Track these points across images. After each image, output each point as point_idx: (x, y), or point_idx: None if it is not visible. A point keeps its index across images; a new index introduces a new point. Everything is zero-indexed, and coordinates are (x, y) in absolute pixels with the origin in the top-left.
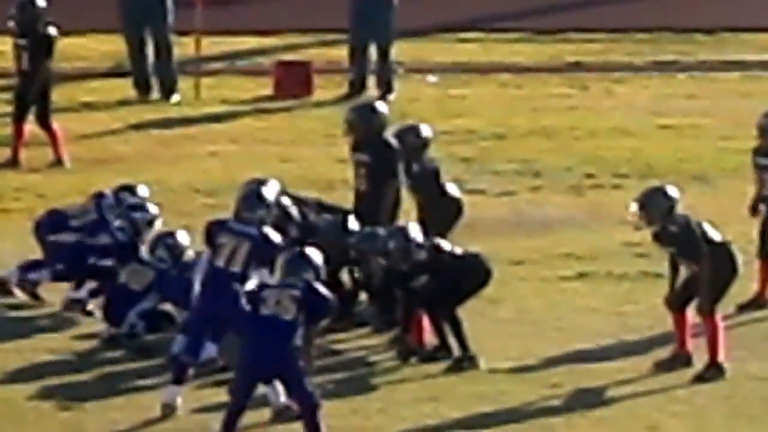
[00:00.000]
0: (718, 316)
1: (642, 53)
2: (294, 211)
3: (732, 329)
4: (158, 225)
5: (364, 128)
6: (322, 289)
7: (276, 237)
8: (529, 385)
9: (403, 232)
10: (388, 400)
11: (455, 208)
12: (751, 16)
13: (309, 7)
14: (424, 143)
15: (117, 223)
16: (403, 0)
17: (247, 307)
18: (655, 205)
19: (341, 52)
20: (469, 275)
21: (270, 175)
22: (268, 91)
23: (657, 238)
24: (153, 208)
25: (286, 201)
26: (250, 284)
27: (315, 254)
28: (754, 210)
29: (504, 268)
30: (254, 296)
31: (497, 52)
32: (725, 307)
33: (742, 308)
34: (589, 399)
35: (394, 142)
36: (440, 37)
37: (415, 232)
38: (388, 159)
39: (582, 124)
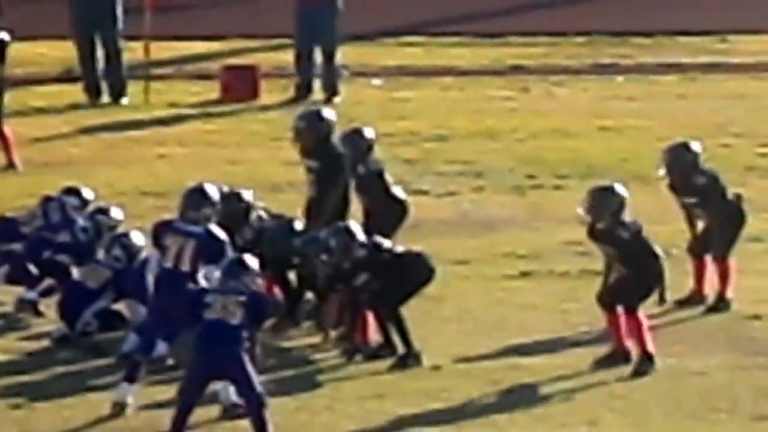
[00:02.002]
0: (641, 313)
1: (581, 56)
2: (253, 212)
3: (670, 325)
4: (120, 229)
5: (312, 135)
6: (264, 293)
7: (221, 233)
8: (472, 381)
9: (345, 230)
10: (334, 397)
11: (400, 209)
12: (687, 21)
13: (255, 13)
14: (369, 145)
15: (81, 222)
16: (347, 5)
17: (195, 312)
18: (606, 204)
19: (287, 57)
20: (411, 273)
21: (217, 177)
22: (215, 94)
23: (594, 235)
24: (118, 213)
25: (247, 197)
26: (197, 288)
27: (252, 259)
28: (695, 239)
29: (447, 268)
30: (200, 301)
31: (440, 55)
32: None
33: (681, 304)
34: (530, 395)
35: (340, 148)
36: (384, 42)
37: (357, 231)
38: (335, 165)
39: (523, 125)
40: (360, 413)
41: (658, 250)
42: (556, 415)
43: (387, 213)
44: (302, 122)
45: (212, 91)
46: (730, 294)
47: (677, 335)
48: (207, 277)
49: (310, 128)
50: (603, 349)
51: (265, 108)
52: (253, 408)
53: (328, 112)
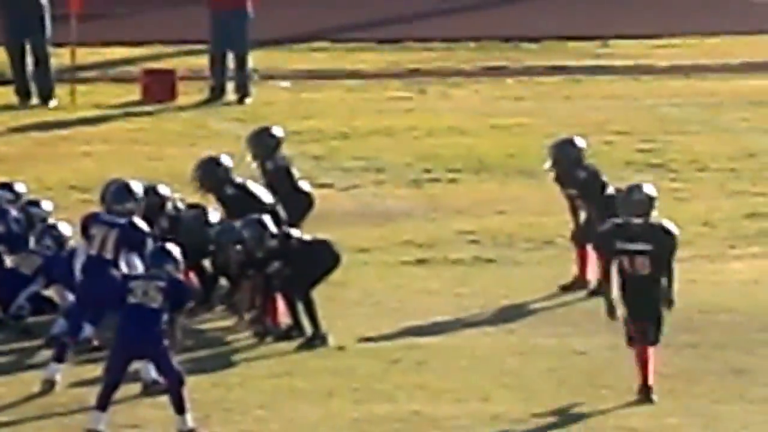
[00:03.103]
0: None
1: (474, 60)
2: (168, 204)
3: (556, 308)
4: (51, 220)
5: (212, 181)
6: (183, 280)
7: (143, 224)
8: (375, 360)
9: (258, 222)
10: (247, 375)
11: (306, 201)
12: (571, 26)
13: (173, 20)
14: (277, 143)
15: (14, 214)
16: (258, 12)
17: (119, 297)
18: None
19: (202, 61)
20: (319, 260)
21: (138, 172)
22: (136, 96)
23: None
24: (48, 205)
25: (164, 191)
26: (121, 274)
27: (174, 248)
28: (577, 228)
29: (350, 255)
30: (124, 287)
31: (344, 59)
32: (549, 288)
33: (565, 289)
34: (427, 373)
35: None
36: (292, 47)
37: (269, 222)
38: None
39: (420, 124)
40: (270, 389)
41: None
42: (452, 391)
43: (294, 205)
44: (199, 171)
45: (133, 93)
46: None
47: (563, 317)
48: (128, 263)
49: (208, 174)
50: (493, 330)
51: (182, 108)
52: (173, 385)
53: (225, 159)
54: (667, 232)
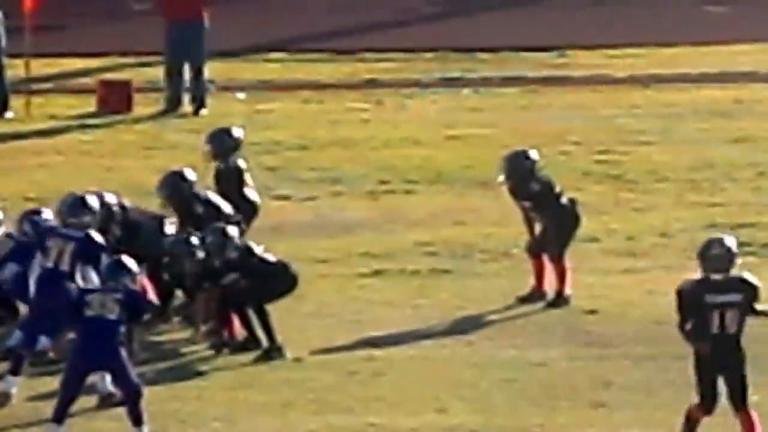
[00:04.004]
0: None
1: (431, 71)
2: (117, 212)
3: (513, 320)
4: (2, 229)
5: (179, 197)
6: (140, 292)
7: (99, 238)
8: (331, 372)
9: (221, 230)
10: (203, 386)
11: (250, 209)
12: (528, 37)
13: (128, 31)
14: (235, 144)
15: None
16: (213, 23)
17: (76, 309)
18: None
19: (158, 72)
20: (276, 281)
21: (93, 183)
22: (92, 108)
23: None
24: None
25: (111, 200)
26: (78, 287)
27: (131, 261)
28: (533, 237)
29: (307, 267)
30: (81, 299)
31: (300, 70)
32: (506, 299)
33: (523, 300)
34: (384, 384)
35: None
36: (248, 58)
37: (233, 233)
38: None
39: (377, 135)
40: (227, 402)
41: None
42: (409, 402)
43: (239, 211)
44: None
45: (89, 104)
46: (567, 291)
47: (520, 329)
48: (84, 277)
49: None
50: (450, 342)
51: (138, 120)
52: (130, 397)
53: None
54: (750, 285)
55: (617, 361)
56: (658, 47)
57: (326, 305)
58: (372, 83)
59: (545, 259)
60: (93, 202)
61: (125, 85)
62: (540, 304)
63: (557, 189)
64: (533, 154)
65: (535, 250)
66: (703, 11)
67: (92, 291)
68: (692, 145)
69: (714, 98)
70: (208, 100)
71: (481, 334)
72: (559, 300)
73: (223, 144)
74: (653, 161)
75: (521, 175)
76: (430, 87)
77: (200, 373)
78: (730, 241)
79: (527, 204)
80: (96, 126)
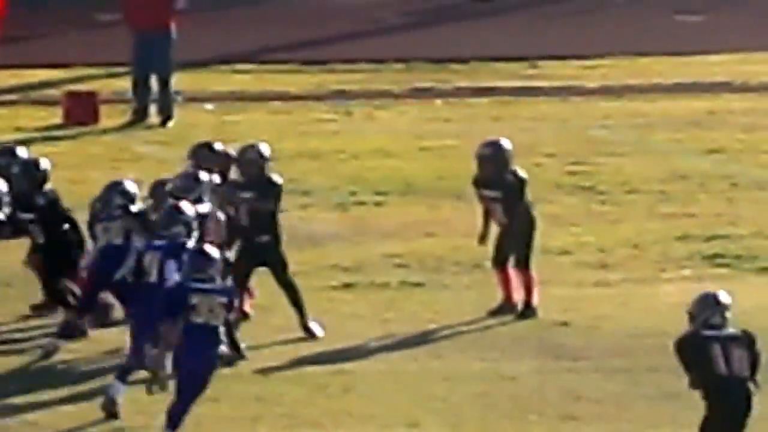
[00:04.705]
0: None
1: (401, 81)
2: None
3: (484, 332)
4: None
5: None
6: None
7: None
8: (301, 386)
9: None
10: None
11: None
12: (500, 47)
13: (95, 42)
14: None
15: None
16: (181, 33)
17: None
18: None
19: (125, 83)
20: None
21: (60, 196)
22: (58, 119)
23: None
24: None
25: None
26: (178, 283)
27: (214, 249)
28: (483, 239)
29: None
30: (184, 300)
31: (268, 81)
32: (477, 312)
33: (493, 314)
34: (354, 398)
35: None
36: (216, 68)
37: (213, 252)
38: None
39: (346, 146)
40: (195, 416)
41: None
42: (379, 416)
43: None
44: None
45: (55, 116)
46: (535, 301)
47: (490, 342)
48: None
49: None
50: (421, 355)
51: (105, 131)
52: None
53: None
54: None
55: (589, 374)
56: (631, 57)
57: (295, 318)
58: (341, 94)
59: (510, 270)
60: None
61: (91, 96)
62: (510, 317)
63: (526, 187)
64: (509, 144)
65: (499, 260)
66: (677, 21)
67: (196, 291)
68: (665, 156)
69: (687, 109)
70: (176, 112)
71: (452, 347)
72: (528, 311)
73: (210, 161)
74: (626, 173)
75: (496, 163)
76: (401, 97)
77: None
78: (724, 296)
79: (498, 194)
80: (62, 138)
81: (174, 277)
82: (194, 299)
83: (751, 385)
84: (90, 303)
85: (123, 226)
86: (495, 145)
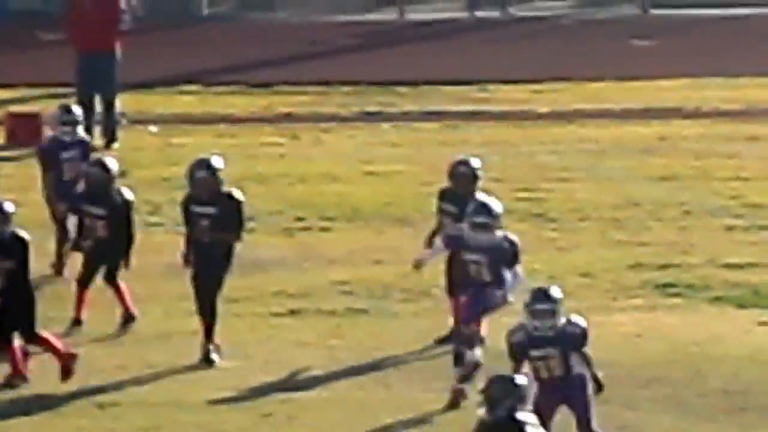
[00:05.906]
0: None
1: (349, 105)
2: None
3: (431, 361)
4: None
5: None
6: None
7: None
8: (245, 414)
9: None
10: (114, 428)
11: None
12: (449, 71)
13: (38, 62)
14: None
15: None
16: (126, 55)
17: None
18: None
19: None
20: None
21: None
22: (0, 140)
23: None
24: None
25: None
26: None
27: None
28: (451, 288)
29: (220, 306)
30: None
31: (214, 103)
32: (424, 340)
33: (441, 342)
34: (300, 427)
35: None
36: (161, 90)
37: None
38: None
39: (293, 170)
40: None
41: None
42: None
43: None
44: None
45: None
46: (484, 331)
47: (437, 371)
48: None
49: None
50: (367, 383)
51: None
52: None
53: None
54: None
55: None
56: (582, 82)
57: (240, 345)
58: (288, 117)
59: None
60: None
61: (34, 117)
62: None
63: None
64: (478, 163)
65: (453, 288)
66: (628, 45)
67: None
68: (616, 182)
69: (638, 135)
70: (120, 133)
71: (399, 375)
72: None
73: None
74: (576, 199)
75: (467, 180)
76: (348, 121)
77: (111, 414)
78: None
79: (456, 211)
80: (4, 159)
81: None
82: None
83: None
84: None
85: None
86: (464, 164)
